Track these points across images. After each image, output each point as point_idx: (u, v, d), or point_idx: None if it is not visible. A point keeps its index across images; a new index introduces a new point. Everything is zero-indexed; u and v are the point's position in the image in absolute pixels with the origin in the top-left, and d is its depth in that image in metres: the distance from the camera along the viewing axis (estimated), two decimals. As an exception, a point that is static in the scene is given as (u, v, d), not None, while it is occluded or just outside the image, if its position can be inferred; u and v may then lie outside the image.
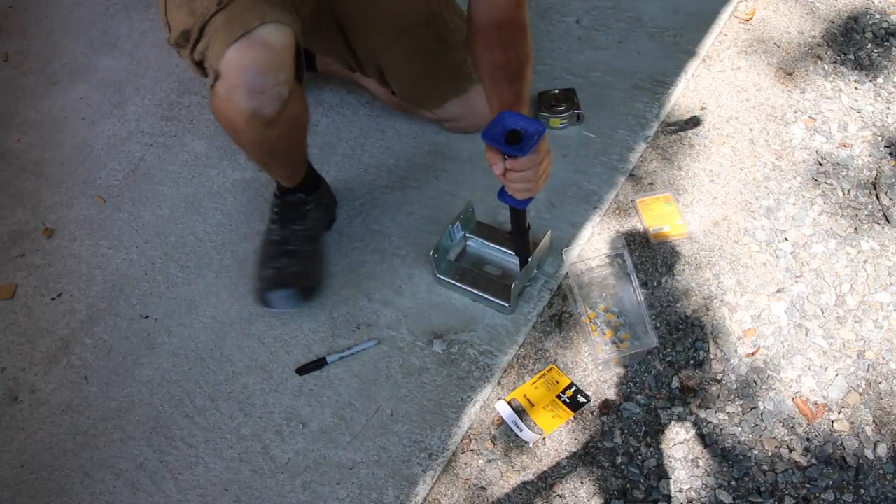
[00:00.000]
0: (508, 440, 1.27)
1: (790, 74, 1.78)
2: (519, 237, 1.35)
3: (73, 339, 1.50)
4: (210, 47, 1.13)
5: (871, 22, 1.88)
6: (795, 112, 1.70)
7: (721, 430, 1.25)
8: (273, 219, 1.49)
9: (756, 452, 1.22)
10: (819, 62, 1.79)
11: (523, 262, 1.40)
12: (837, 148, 1.62)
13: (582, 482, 1.22)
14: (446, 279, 1.44)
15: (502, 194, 1.20)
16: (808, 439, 1.23)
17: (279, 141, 1.28)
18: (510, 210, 1.28)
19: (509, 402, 1.31)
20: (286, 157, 1.39)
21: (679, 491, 1.19)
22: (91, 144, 1.89)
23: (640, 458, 1.24)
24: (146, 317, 1.51)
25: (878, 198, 1.53)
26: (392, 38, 1.54)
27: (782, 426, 1.25)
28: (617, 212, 1.56)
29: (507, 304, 1.38)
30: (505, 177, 1.13)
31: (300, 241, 1.47)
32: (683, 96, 1.76)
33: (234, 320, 1.47)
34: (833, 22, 1.89)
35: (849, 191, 1.55)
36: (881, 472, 1.19)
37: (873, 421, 1.24)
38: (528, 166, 1.11)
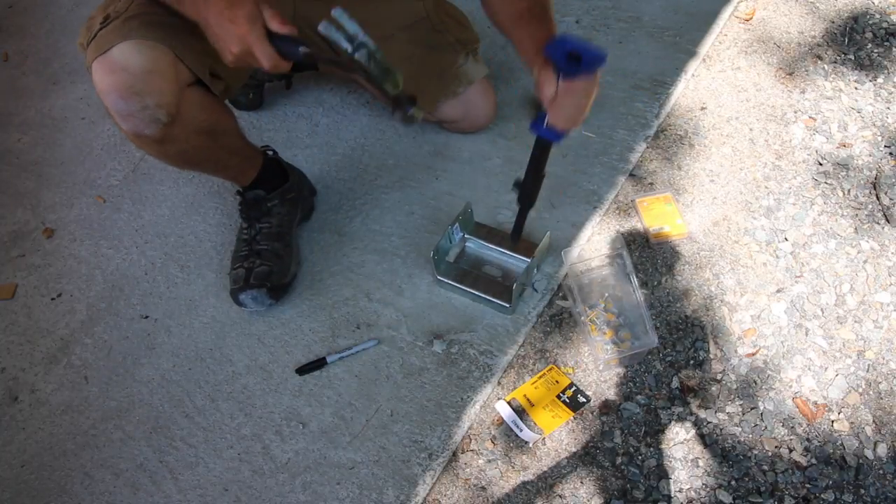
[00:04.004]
0: (508, 440, 1.27)
1: (790, 74, 1.78)
2: (536, 181, 1.21)
3: (73, 339, 1.50)
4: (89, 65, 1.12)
5: (871, 22, 1.87)
6: (795, 112, 1.70)
7: (721, 430, 1.25)
8: (241, 216, 1.49)
9: (756, 452, 1.22)
10: (819, 62, 1.79)
11: (527, 207, 1.25)
12: (837, 148, 1.62)
13: (582, 482, 1.22)
14: (446, 280, 1.44)
15: (537, 126, 1.12)
16: (808, 439, 1.23)
17: (192, 153, 1.26)
18: (536, 148, 1.16)
19: (509, 402, 1.31)
20: (213, 165, 1.37)
21: (679, 491, 1.19)
22: (91, 144, 1.89)
23: (640, 458, 1.24)
24: (146, 317, 1.51)
25: (878, 198, 1.53)
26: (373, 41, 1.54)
27: (782, 426, 1.25)
28: (617, 212, 1.56)
29: (507, 305, 1.38)
30: (554, 102, 1.08)
31: (267, 239, 1.47)
32: (683, 96, 1.76)
33: (234, 320, 1.47)
34: (833, 22, 1.89)
35: (849, 191, 1.55)
36: (881, 472, 1.19)
37: (873, 421, 1.24)
38: (583, 91, 1.08)
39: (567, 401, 1.30)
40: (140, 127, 1.14)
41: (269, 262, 1.44)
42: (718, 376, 1.31)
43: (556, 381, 1.32)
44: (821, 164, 1.60)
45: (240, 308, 1.48)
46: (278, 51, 1.04)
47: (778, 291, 1.41)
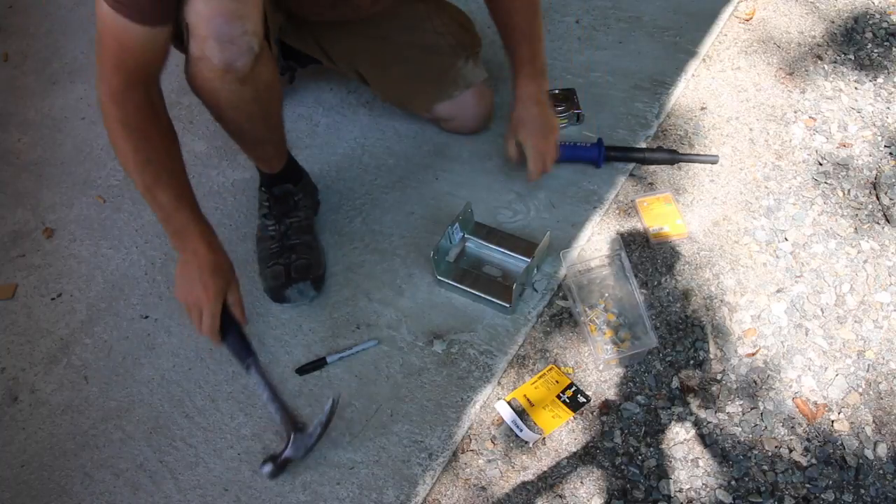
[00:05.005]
0: (508, 440, 1.27)
1: (790, 74, 1.78)
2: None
3: (73, 339, 1.50)
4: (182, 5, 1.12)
5: (871, 22, 1.88)
6: (795, 112, 1.70)
7: (721, 430, 1.25)
8: (265, 213, 1.49)
9: (756, 452, 1.22)
10: (819, 62, 1.80)
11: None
12: (837, 148, 1.62)
13: (582, 482, 1.22)
14: (446, 280, 1.44)
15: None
16: (808, 439, 1.23)
17: (255, 104, 1.26)
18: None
19: (509, 402, 1.31)
20: (264, 129, 1.37)
21: (679, 491, 1.19)
22: (91, 144, 1.89)
23: (640, 458, 1.24)
24: (146, 317, 1.51)
25: (878, 198, 1.53)
26: (367, 45, 1.54)
27: (782, 426, 1.25)
28: (617, 212, 1.56)
29: (508, 305, 1.38)
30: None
31: (298, 233, 1.48)
32: (683, 96, 1.76)
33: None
34: (833, 22, 1.89)
35: (849, 191, 1.55)
36: (881, 472, 1.19)
37: (873, 421, 1.24)
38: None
39: (567, 401, 1.30)
40: (235, 56, 1.13)
41: (305, 255, 1.45)
42: (718, 376, 1.31)
43: (556, 381, 1.32)
44: (821, 164, 1.60)
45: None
46: (221, 329, 1.26)
47: (778, 291, 1.41)
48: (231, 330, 1.28)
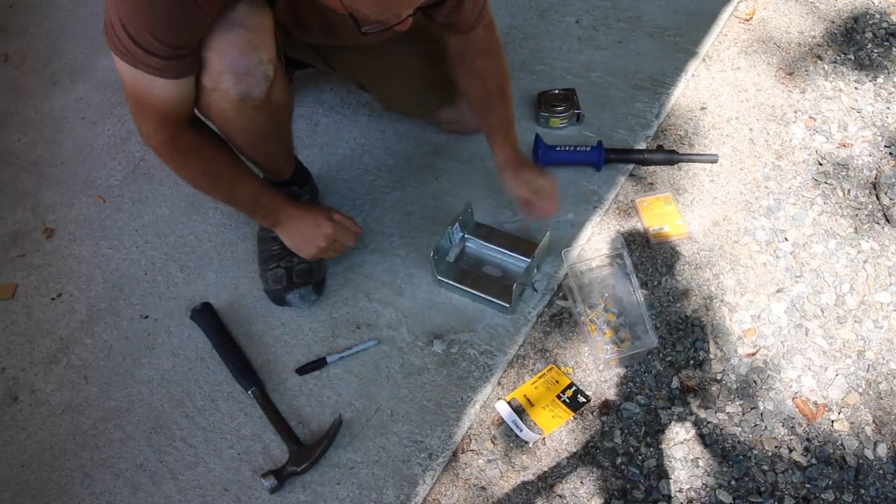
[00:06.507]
0: (508, 440, 1.27)
1: (790, 74, 1.78)
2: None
3: (73, 339, 1.50)
4: None
5: (871, 22, 1.88)
6: (795, 112, 1.70)
7: (721, 430, 1.25)
8: None
9: (756, 452, 1.22)
10: (819, 62, 1.80)
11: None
12: (837, 148, 1.62)
13: (582, 482, 1.22)
14: (447, 281, 1.44)
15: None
16: (808, 439, 1.23)
17: (269, 125, 1.28)
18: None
19: (509, 402, 1.31)
20: (277, 145, 1.39)
21: (679, 491, 1.19)
22: (91, 144, 1.89)
23: (640, 458, 1.24)
24: (146, 317, 1.51)
25: (878, 198, 1.53)
26: (368, 58, 1.54)
27: (782, 426, 1.25)
28: (617, 212, 1.56)
29: (508, 305, 1.38)
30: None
31: None
32: (683, 96, 1.76)
33: (235, 320, 1.47)
34: (833, 22, 1.89)
35: (849, 191, 1.55)
36: (881, 472, 1.19)
37: (873, 421, 1.24)
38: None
39: (567, 401, 1.30)
40: (252, 87, 1.14)
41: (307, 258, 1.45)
42: (718, 376, 1.31)
43: (556, 381, 1.32)
44: (821, 164, 1.60)
45: (240, 308, 1.48)
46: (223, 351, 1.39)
47: (778, 291, 1.41)
48: (233, 355, 1.39)
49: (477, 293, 1.41)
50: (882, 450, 1.21)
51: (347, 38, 1.32)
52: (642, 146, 1.65)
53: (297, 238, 1.36)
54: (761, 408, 1.27)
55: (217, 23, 1.06)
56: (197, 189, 1.30)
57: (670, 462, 1.23)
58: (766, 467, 1.21)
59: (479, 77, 1.40)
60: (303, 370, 1.37)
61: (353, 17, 0.99)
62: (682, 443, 1.24)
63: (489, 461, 1.25)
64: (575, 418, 1.28)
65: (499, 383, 1.34)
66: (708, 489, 1.19)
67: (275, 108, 1.24)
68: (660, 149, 1.61)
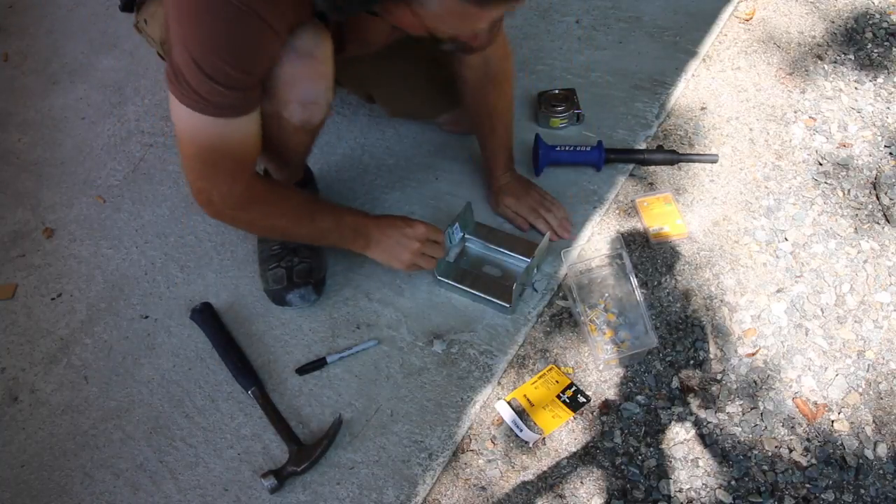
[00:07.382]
0: (508, 440, 1.27)
1: (790, 74, 1.78)
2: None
3: (73, 339, 1.50)
4: None
5: (871, 22, 1.88)
6: (795, 112, 1.70)
7: (721, 430, 1.25)
8: None
9: (756, 452, 1.22)
10: (819, 62, 1.80)
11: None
12: (837, 148, 1.62)
13: (582, 482, 1.22)
14: (446, 280, 1.44)
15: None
16: (808, 439, 1.23)
17: (312, 141, 1.29)
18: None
19: (509, 402, 1.31)
20: (304, 157, 1.41)
21: (679, 491, 1.19)
22: (91, 144, 1.89)
23: (640, 458, 1.24)
24: (146, 317, 1.51)
25: (878, 198, 1.53)
26: (374, 66, 1.53)
27: (782, 426, 1.25)
28: (617, 212, 1.56)
29: (508, 305, 1.38)
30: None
31: None
32: (683, 96, 1.76)
33: (235, 320, 1.47)
34: (833, 22, 1.89)
35: (849, 191, 1.55)
36: (881, 472, 1.19)
37: (873, 421, 1.24)
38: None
39: (567, 401, 1.30)
40: (315, 114, 1.14)
41: (307, 258, 1.45)
42: (718, 376, 1.31)
43: (556, 381, 1.32)
44: (821, 164, 1.60)
45: (240, 308, 1.47)
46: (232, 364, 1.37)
47: (778, 291, 1.41)
48: (233, 355, 1.38)
49: (477, 293, 1.41)
50: (882, 450, 1.21)
51: (374, 47, 1.32)
52: (642, 146, 1.65)
53: (386, 255, 1.35)
54: (761, 408, 1.27)
55: (287, 51, 1.04)
56: (275, 235, 1.27)
57: (670, 462, 1.23)
58: (766, 467, 1.21)
59: (487, 105, 1.44)
60: (303, 370, 1.37)
61: (432, 36, 0.97)
62: (682, 443, 1.24)
63: (489, 461, 1.25)
64: (575, 418, 1.28)
65: (499, 383, 1.34)
66: (708, 489, 1.19)
67: (321, 126, 1.25)
68: (660, 149, 1.61)
